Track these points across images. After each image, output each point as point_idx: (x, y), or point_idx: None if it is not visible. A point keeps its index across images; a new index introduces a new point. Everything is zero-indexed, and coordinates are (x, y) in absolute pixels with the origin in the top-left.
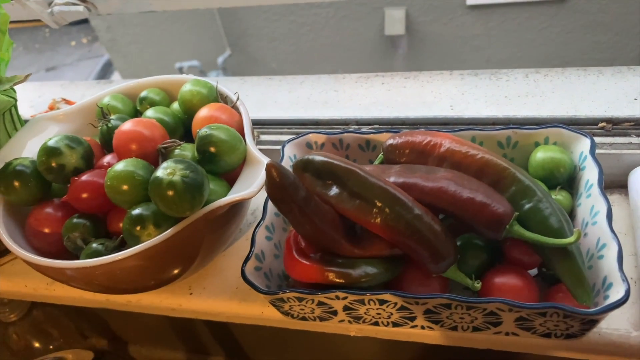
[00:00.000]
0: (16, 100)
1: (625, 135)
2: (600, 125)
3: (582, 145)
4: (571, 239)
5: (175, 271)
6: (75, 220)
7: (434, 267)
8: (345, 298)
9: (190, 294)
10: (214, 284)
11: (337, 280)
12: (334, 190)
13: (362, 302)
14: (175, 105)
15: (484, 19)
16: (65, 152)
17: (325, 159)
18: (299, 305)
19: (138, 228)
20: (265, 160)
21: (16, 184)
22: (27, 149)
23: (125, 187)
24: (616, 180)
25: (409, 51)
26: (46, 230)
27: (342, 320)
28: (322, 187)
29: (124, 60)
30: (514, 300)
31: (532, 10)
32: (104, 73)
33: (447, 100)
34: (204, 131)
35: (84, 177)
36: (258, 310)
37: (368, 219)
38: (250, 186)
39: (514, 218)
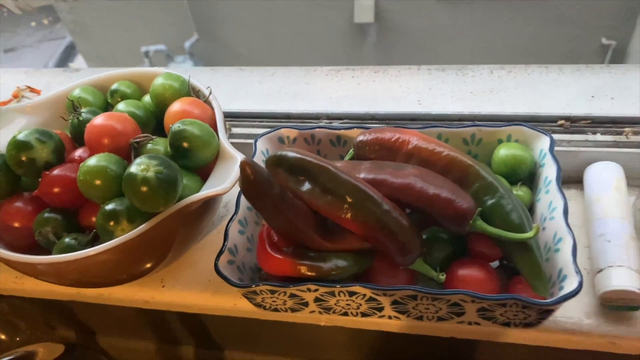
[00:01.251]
0: None
1: (582, 132)
2: (559, 122)
3: (542, 143)
4: (530, 234)
5: (148, 265)
6: (46, 214)
7: (401, 260)
8: (316, 290)
9: (163, 286)
10: (187, 276)
11: (309, 273)
12: (307, 186)
13: (332, 294)
14: (147, 99)
15: (451, 10)
16: (36, 146)
17: (298, 156)
18: (271, 298)
19: (112, 223)
20: (238, 156)
21: None
22: None
23: (98, 182)
24: (573, 175)
25: (378, 39)
26: (16, 225)
27: (313, 311)
28: (294, 183)
29: (87, 44)
30: (476, 291)
31: (498, 3)
32: (67, 56)
33: (415, 95)
34: (177, 126)
35: (56, 172)
36: (230, 302)
37: (339, 214)
38: (224, 182)
39: (477, 213)
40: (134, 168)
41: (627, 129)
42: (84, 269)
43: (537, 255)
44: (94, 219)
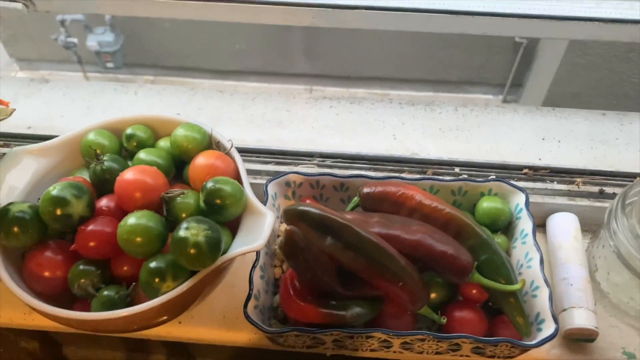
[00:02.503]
0: None
1: (542, 181)
2: (524, 171)
3: (519, 198)
4: (518, 286)
5: (180, 311)
6: (81, 267)
7: (412, 307)
8: (337, 335)
9: (179, 322)
10: (202, 313)
11: (331, 320)
12: (330, 241)
13: (351, 337)
14: (162, 143)
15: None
16: (72, 202)
17: (322, 213)
18: (294, 340)
19: (157, 280)
20: (267, 212)
21: (16, 230)
22: (6, 182)
23: (139, 239)
24: (537, 220)
25: (308, 40)
26: (47, 274)
27: (327, 347)
28: (318, 238)
29: None
30: (471, 331)
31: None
32: None
33: (390, 129)
34: (211, 185)
35: (91, 227)
36: (246, 337)
37: (360, 268)
38: (257, 238)
39: (475, 267)
40: (183, 232)
41: (577, 179)
42: (128, 321)
43: (521, 302)
44: (126, 268)
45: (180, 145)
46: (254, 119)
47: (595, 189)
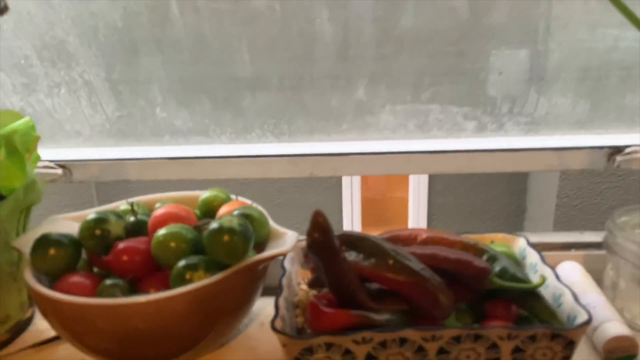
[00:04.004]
0: None
1: None
2: None
3: (520, 242)
4: (539, 282)
5: (205, 332)
6: (109, 281)
7: (438, 313)
8: (370, 340)
9: None
10: None
11: (364, 322)
12: (352, 255)
13: (384, 345)
14: None
15: None
16: (112, 221)
17: (341, 232)
18: (324, 357)
19: (189, 273)
20: (289, 231)
21: (52, 252)
22: None
23: (173, 244)
24: None
25: None
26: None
27: None
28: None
29: None
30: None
31: None
32: None
33: None
34: (242, 209)
35: (126, 242)
36: None
37: (383, 273)
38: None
39: (493, 274)
40: (217, 224)
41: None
42: (156, 315)
43: (547, 300)
44: (152, 291)
45: (207, 203)
46: None
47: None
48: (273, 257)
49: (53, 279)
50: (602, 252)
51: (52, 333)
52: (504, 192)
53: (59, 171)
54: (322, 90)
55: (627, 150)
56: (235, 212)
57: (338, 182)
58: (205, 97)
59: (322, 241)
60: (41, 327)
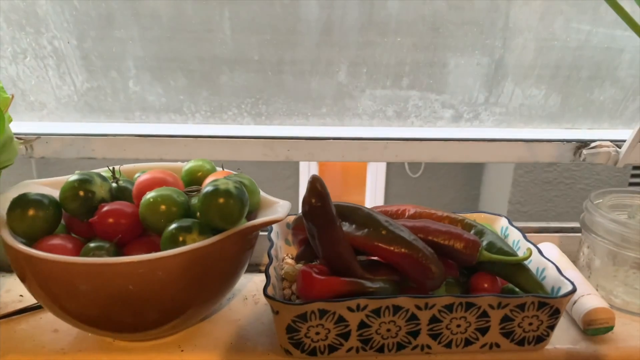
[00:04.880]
0: None
1: None
2: None
3: (502, 222)
4: (526, 255)
5: (193, 297)
6: (94, 244)
7: (430, 283)
8: (365, 307)
9: (182, 350)
10: (205, 342)
11: (357, 289)
12: (345, 226)
13: (378, 312)
14: None
15: None
16: (97, 182)
17: (336, 203)
18: (317, 325)
19: (182, 235)
20: (281, 200)
21: (31, 212)
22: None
23: (163, 207)
24: None
25: None
26: None
27: (351, 349)
28: None
29: None
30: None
31: None
32: None
33: None
34: (234, 174)
35: (112, 205)
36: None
37: (376, 243)
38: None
39: (482, 247)
40: (211, 186)
41: None
42: (150, 275)
43: (533, 272)
44: None
45: (192, 172)
46: None
47: None
48: (268, 224)
49: (31, 242)
50: (577, 234)
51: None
52: (456, 198)
53: (20, 146)
54: (303, 72)
55: (593, 144)
56: (233, 174)
57: (295, 183)
58: (181, 72)
59: (320, 207)
60: (7, 299)
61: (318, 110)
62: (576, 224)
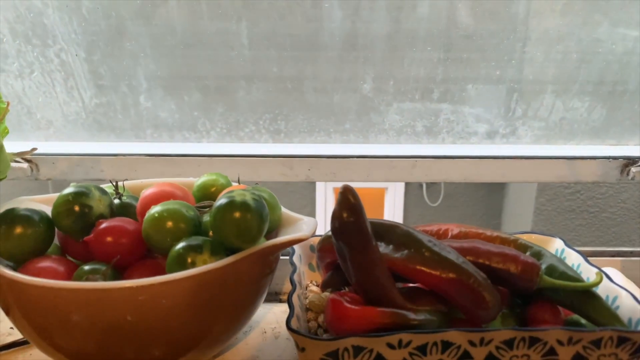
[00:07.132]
0: None
1: None
2: None
3: (556, 244)
4: (596, 280)
5: (206, 327)
6: (88, 267)
7: (484, 314)
8: (408, 344)
9: None
10: None
11: (397, 321)
12: (380, 247)
13: (424, 350)
14: None
15: None
16: (94, 196)
17: (370, 220)
18: None
19: (191, 256)
20: (305, 217)
21: (18, 230)
22: None
23: (170, 223)
24: None
25: None
26: None
27: None
28: None
29: None
30: None
31: None
32: None
33: None
34: (253, 187)
35: (111, 222)
36: None
37: (418, 266)
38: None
39: (542, 271)
40: (226, 198)
41: None
42: (151, 304)
43: (604, 300)
44: None
45: (206, 187)
46: None
47: None
48: (291, 243)
49: (17, 265)
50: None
51: (5, 340)
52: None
53: (24, 166)
54: (325, 85)
55: None
56: (252, 187)
57: (312, 212)
58: (195, 86)
59: (353, 222)
60: None
61: (341, 126)
62: (635, 248)
